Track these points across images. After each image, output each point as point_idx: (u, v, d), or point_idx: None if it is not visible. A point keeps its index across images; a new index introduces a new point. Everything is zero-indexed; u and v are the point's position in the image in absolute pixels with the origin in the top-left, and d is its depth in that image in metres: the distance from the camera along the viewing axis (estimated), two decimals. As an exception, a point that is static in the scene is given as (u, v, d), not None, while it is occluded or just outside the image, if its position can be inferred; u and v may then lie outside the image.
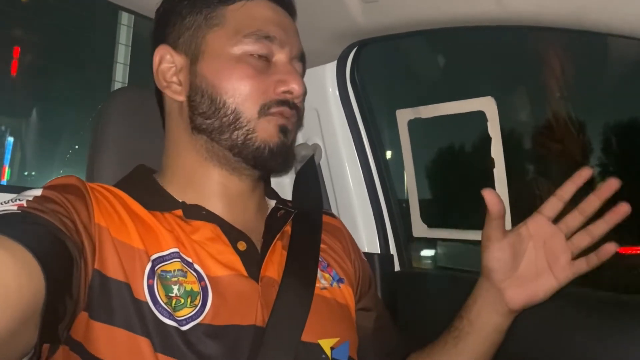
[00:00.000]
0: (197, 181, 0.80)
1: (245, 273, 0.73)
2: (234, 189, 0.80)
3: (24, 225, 0.57)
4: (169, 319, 0.65)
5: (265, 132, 0.76)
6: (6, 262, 0.50)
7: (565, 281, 0.79)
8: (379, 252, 1.32)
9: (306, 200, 0.94)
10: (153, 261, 0.69)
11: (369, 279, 0.96)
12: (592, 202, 0.77)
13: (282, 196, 0.93)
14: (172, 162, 0.82)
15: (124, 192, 0.75)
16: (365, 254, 1.03)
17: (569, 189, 0.80)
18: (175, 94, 0.80)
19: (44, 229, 0.58)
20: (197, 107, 0.78)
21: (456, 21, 1.00)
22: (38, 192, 0.65)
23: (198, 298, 0.68)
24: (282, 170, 0.83)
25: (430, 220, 1.28)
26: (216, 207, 0.78)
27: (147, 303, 0.65)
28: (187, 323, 0.66)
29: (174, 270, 0.69)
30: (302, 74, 0.86)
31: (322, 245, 0.86)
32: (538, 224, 0.81)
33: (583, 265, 0.78)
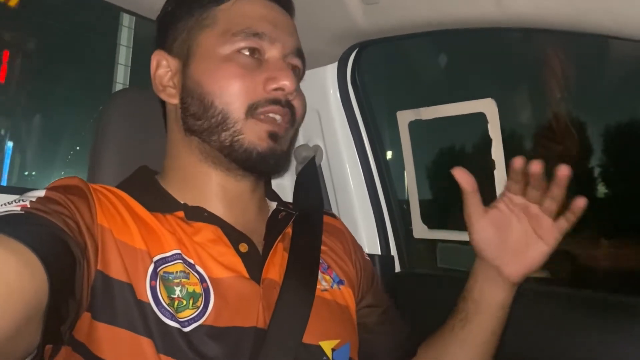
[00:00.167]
0: (196, 183, 0.80)
1: (246, 275, 0.74)
2: (233, 191, 0.80)
3: (27, 226, 0.57)
4: (172, 320, 0.66)
5: (254, 134, 0.75)
6: (9, 262, 0.51)
7: (555, 242, 0.78)
8: (380, 253, 1.32)
9: (307, 201, 0.94)
10: (155, 262, 0.69)
11: (372, 276, 0.96)
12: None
13: (284, 197, 0.93)
14: (171, 164, 0.83)
15: (126, 194, 0.75)
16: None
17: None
18: (170, 97, 0.81)
19: (47, 230, 0.58)
20: (188, 109, 0.78)
21: (456, 23, 1.01)
22: (41, 193, 0.65)
23: (200, 299, 0.69)
24: (275, 173, 0.83)
25: (431, 221, 1.28)
26: (217, 208, 0.78)
27: (149, 304, 0.66)
28: (190, 324, 0.66)
29: (176, 272, 0.69)
30: (302, 71, 0.85)
31: (322, 247, 0.86)
32: (511, 198, 0.80)
33: (564, 223, 0.77)
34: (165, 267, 0.69)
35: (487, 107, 1.11)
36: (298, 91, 0.80)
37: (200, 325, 0.67)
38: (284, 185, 1.41)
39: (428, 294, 1.23)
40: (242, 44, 0.76)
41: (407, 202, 1.31)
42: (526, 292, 0.83)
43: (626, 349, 0.90)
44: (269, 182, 1.37)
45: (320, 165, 1.36)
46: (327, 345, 0.75)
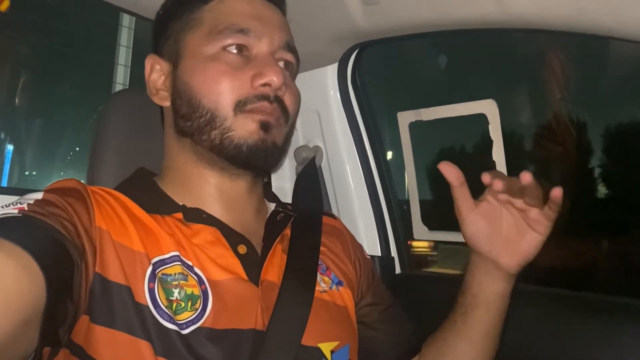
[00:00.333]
0: (193, 184, 0.80)
1: (245, 277, 0.73)
2: (229, 191, 0.80)
3: (24, 228, 0.57)
4: (170, 322, 0.65)
5: (244, 129, 0.74)
6: (7, 265, 0.50)
7: (547, 231, 0.76)
8: (380, 254, 1.32)
9: (306, 202, 0.94)
10: (154, 264, 0.69)
11: (372, 275, 0.96)
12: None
13: (283, 199, 0.93)
14: (168, 166, 0.83)
15: (125, 195, 0.75)
16: (366, 256, 1.02)
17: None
18: (163, 100, 0.81)
19: (45, 233, 0.58)
20: (178, 111, 0.78)
21: (457, 23, 1.00)
22: (39, 195, 0.65)
23: (198, 302, 0.68)
24: (268, 168, 0.82)
25: (431, 222, 1.28)
26: (215, 210, 0.78)
27: (147, 306, 0.65)
28: (188, 327, 0.66)
29: (175, 274, 0.69)
30: (296, 65, 0.84)
31: (321, 248, 0.86)
32: (495, 194, 0.78)
33: (550, 212, 0.75)
34: (164, 269, 0.69)
35: (488, 108, 1.11)
36: (289, 86, 0.79)
37: (198, 328, 0.66)
38: (285, 186, 1.41)
39: (428, 296, 1.23)
40: (227, 41, 0.76)
41: (408, 203, 1.31)
42: (525, 292, 0.83)
43: (625, 350, 0.90)
44: (268, 184, 1.37)
45: (320, 166, 1.36)
46: (326, 347, 0.75)
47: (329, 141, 1.34)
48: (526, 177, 0.70)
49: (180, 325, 0.66)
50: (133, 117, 0.94)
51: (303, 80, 1.31)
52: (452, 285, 1.18)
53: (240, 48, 0.77)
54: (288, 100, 0.79)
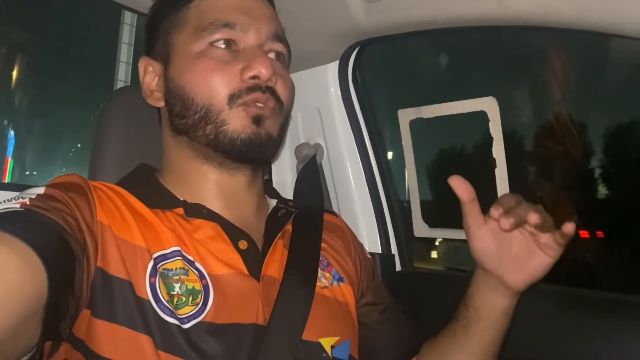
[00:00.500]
0: (193, 181, 0.80)
1: (246, 272, 0.74)
2: (229, 187, 0.80)
3: (26, 223, 0.57)
4: (171, 317, 0.66)
5: (237, 122, 0.74)
6: (9, 259, 0.50)
7: (557, 255, 0.75)
8: (380, 251, 1.32)
9: (307, 199, 0.94)
10: (155, 259, 0.69)
11: (372, 274, 0.96)
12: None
13: (284, 192, 0.94)
14: (167, 163, 0.83)
15: (126, 191, 0.75)
16: (367, 254, 1.02)
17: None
18: (157, 101, 0.82)
19: (46, 227, 0.58)
20: (172, 110, 0.79)
21: (458, 21, 1.00)
22: (41, 190, 0.65)
23: (199, 296, 0.69)
24: (265, 160, 0.83)
25: (431, 219, 1.28)
26: (215, 205, 0.79)
27: (149, 301, 0.66)
28: (189, 321, 0.66)
29: (176, 269, 0.70)
30: (288, 55, 0.84)
31: (322, 244, 0.86)
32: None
33: (560, 239, 0.73)
34: (165, 263, 0.69)
35: (488, 105, 1.11)
36: (280, 75, 0.79)
37: (199, 322, 0.67)
38: (285, 180, 1.41)
39: (428, 293, 1.23)
40: (213, 37, 0.76)
41: (408, 201, 1.31)
42: (524, 290, 0.83)
43: (626, 349, 0.90)
44: (269, 180, 1.37)
45: (321, 163, 1.36)
46: (326, 342, 0.75)
47: (329, 139, 1.34)
48: (532, 218, 0.69)
49: (181, 320, 0.66)
50: (135, 113, 0.94)
51: (304, 77, 1.32)
52: (452, 282, 1.18)
53: (228, 42, 0.77)
54: (280, 89, 0.79)
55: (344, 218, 1.02)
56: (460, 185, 0.74)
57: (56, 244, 0.57)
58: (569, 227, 0.71)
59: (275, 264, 0.77)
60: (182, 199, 0.78)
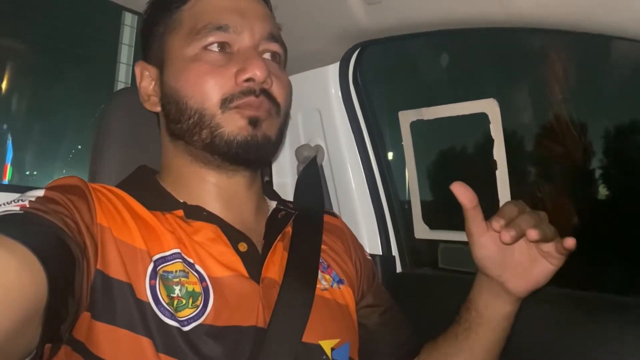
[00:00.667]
0: (192, 183, 0.80)
1: (246, 274, 0.73)
2: (228, 189, 0.80)
3: (26, 225, 0.57)
4: (171, 319, 0.65)
5: (232, 125, 0.74)
6: (9, 262, 0.50)
7: (560, 263, 0.75)
8: (381, 253, 1.32)
9: (308, 201, 0.94)
10: (155, 261, 0.69)
11: (372, 276, 0.96)
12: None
13: (284, 195, 0.93)
14: (166, 166, 0.83)
15: (126, 193, 0.75)
16: (367, 255, 1.02)
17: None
18: (154, 105, 0.82)
19: (46, 230, 0.58)
20: (168, 115, 0.79)
21: (459, 23, 1.00)
22: (40, 192, 0.65)
23: (199, 299, 0.68)
24: (263, 162, 0.82)
25: (432, 221, 1.28)
26: (214, 207, 0.78)
27: (149, 303, 0.65)
28: (189, 323, 0.66)
29: (176, 271, 0.69)
30: (284, 54, 0.84)
31: (322, 246, 0.86)
32: None
33: (562, 249, 0.73)
34: (165, 266, 0.69)
35: (489, 107, 1.11)
36: (276, 76, 0.78)
37: (199, 325, 0.67)
38: (286, 183, 1.41)
39: (429, 294, 1.23)
40: (207, 40, 0.76)
41: (409, 202, 1.31)
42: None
43: (626, 349, 0.90)
44: (270, 182, 1.37)
45: (321, 165, 1.36)
46: (326, 345, 0.75)
47: (330, 140, 1.34)
48: (532, 235, 0.68)
49: (181, 322, 0.66)
50: (135, 115, 0.94)
51: (305, 79, 1.32)
52: (452, 284, 1.18)
53: (222, 45, 0.76)
54: (276, 90, 0.78)
55: (345, 219, 1.02)
56: (462, 192, 0.73)
57: (56, 246, 0.57)
58: (570, 242, 0.71)
59: (275, 266, 0.77)
60: (181, 201, 0.78)
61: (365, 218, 1.33)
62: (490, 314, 0.81)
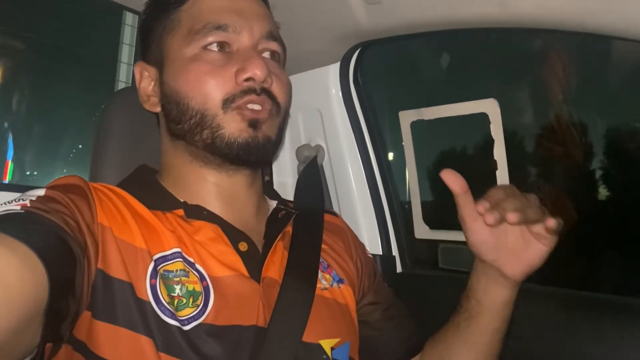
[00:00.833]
0: (191, 183, 0.80)
1: (246, 273, 0.73)
2: (228, 188, 0.80)
3: (27, 225, 0.57)
4: (172, 318, 0.66)
5: (233, 126, 0.74)
6: (10, 261, 0.50)
7: (552, 244, 0.75)
8: (381, 253, 1.32)
9: (308, 201, 0.94)
10: (155, 261, 0.69)
11: (374, 273, 0.96)
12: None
13: (285, 194, 0.93)
14: (166, 166, 0.83)
15: (127, 192, 0.75)
16: (367, 255, 1.02)
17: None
18: (153, 106, 0.82)
19: (47, 229, 0.58)
20: (169, 115, 0.79)
21: (459, 23, 1.00)
22: (41, 192, 0.65)
23: (200, 298, 0.69)
24: (264, 162, 0.82)
25: (432, 221, 1.28)
26: (214, 207, 0.78)
27: (149, 302, 0.66)
28: (189, 323, 0.66)
29: (176, 270, 0.69)
30: (283, 53, 0.84)
31: (323, 246, 0.86)
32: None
33: (546, 229, 0.73)
34: (166, 265, 0.69)
35: (490, 107, 1.11)
36: (276, 75, 0.78)
37: (200, 324, 0.67)
38: (286, 182, 1.41)
39: (429, 295, 1.23)
40: (206, 40, 0.76)
41: (409, 202, 1.31)
42: (524, 291, 0.83)
43: (626, 350, 0.90)
44: (270, 182, 1.37)
45: (322, 165, 1.36)
46: (326, 344, 0.75)
47: (330, 140, 1.34)
48: (510, 218, 0.68)
49: (181, 322, 0.66)
50: (136, 115, 0.94)
51: (305, 79, 1.32)
52: (453, 284, 1.18)
53: (221, 45, 0.76)
54: (276, 89, 0.78)
55: (345, 219, 1.02)
56: (452, 179, 0.74)
57: (57, 245, 0.57)
58: (551, 223, 0.71)
59: (275, 266, 0.77)
60: (182, 200, 0.78)
61: (366, 218, 1.33)
62: (490, 301, 0.81)
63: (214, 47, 0.76)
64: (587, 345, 0.94)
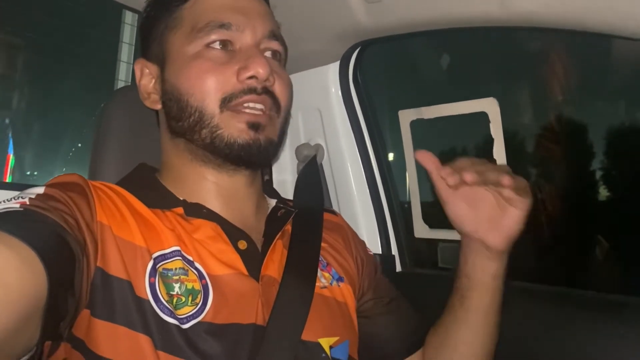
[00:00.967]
0: (191, 182, 0.80)
1: (245, 272, 0.73)
2: (228, 187, 0.80)
3: (26, 223, 0.57)
4: (170, 317, 0.66)
5: (232, 127, 0.74)
6: (9, 259, 0.50)
7: (525, 206, 0.77)
8: (381, 252, 1.32)
9: (307, 199, 0.94)
10: (155, 259, 0.69)
11: (374, 269, 0.96)
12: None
13: (284, 192, 0.93)
14: (166, 164, 0.83)
15: (126, 190, 0.75)
16: (367, 254, 1.02)
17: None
18: (154, 103, 0.82)
19: (46, 227, 0.58)
20: (169, 112, 0.79)
21: (459, 22, 1.00)
22: (40, 190, 0.65)
23: (199, 296, 0.69)
24: (265, 163, 0.83)
25: (432, 221, 1.27)
26: (214, 205, 0.78)
27: (148, 301, 0.66)
28: (188, 321, 0.66)
29: (176, 269, 0.69)
30: (284, 53, 0.84)
31: (322, 244, 0.86)
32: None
33: (514, 188, 0.75)
34: (165, 263, 0.69)
35: (489, 106, 1.11)
36: (278, 75, 0.78)
37: (199, 322, 0.67)
38: (286, 180, 1.41)
39: (429, 294, 1.22)
40: (209, 38, 0.76)
41: (408, 202, 1.30)
42: (525, 291, 0.83)
43: (625, 349, 0.90)
44: (270, 181, 1.37)
45: (321, 164, 1.36)
46: (326, 343, 0.75)
47: (330, 139, 1.34)
48: (466, 177, 0.71)
49: (180, 320, 0.66)
50: (135, 113, 0.94)
51: (305, 78, 1.32)
52: (452, 283, 1.18)
53: (224, 43, 0.76)
54: (278, 89, 0.78)
55: (345, 219, 1.02)
56: (426, 157, 0.77)
57: (56, 244, 0.57)
58: (506, 181, 0.73)
59: (274, 264, 0.77)
60: (181, 199, 0.78)
61: (365, 217, 1.33)
62: (479, 276, 0.82)
63: (217, 45, 0.76)
64: (587, 345, 0.94)
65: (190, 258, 0.71)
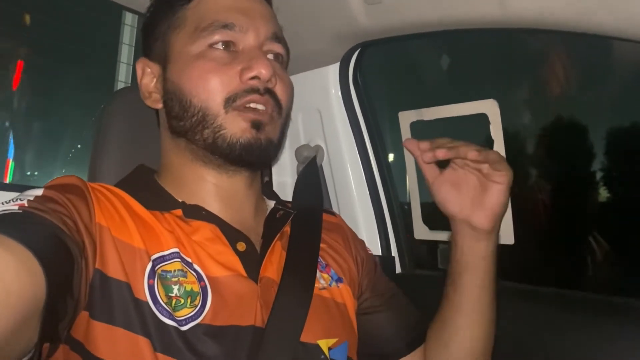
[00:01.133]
0: (191, 183, 0.80)
1: (244, 274, 0.73)
2: (227, 188, 0.80)
3: (25, 225, 0.57)
4: (169, 318, 0.65)
5: (235, 127, 0.74)
6: (7, 262, 0.50)
7: (504, 178, 0.80)
8: (381, 254, 1.32)
9: (307, 201, 0.94)
10: (153, 261, 0.69)
11: (374, 267, 0.96)
12: None
13: (284, 194, 0.93)
14: (166, 165, 0.83)
15: (125, 192, 0.75)
16: (367, 256, 1.02)
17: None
18: (155, 102, 0.82)
19: (45, 229, 0.58)
20: (170, 111, 0.79)
21: (459, 23, 1.00)
22: (39, 191, 0.65)
23: (198, 298, 0.68)
24: (265, 164, 0.83)
25: (432, 222, 1.27)
26: (213, 207, 0.78)
27: (147, 303, 0.65)
28: (187, 323, 0.66)
29: (174, 270, 0.69)
30: (286, 55, 0.84)
31: (321, 245, 0.86)
32: None
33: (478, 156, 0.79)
34: (163, 265, 0.69)
35: (489, 108, 1.10)
36: (280, 77, 0.79)
37: (197, 324, 0.67)
38: (285, 182, 1.41)
39: (429, 295, 1.22)
40: (212, 39, 0.76)
41: (408, 203, 1.30)
42: (525, 292, 0.83)
43: (625, 350, 0.90)
44: (269, 182, 1.37)
45: (321, 165, 1.36)
46: (324, 344, 0.75)
47: (330, 140, 1.34)
48: (438, 154, 0.80)
49: (179, 322, 0.66)
50: (135, 114, 0.94)
51: (305, 79, 1.32)
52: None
53: (227, 44, 0.76)
54: (280, 90, 0.78)
55: (344, 220, 1.02)
56: (413, 144, 0.86)
57: (54, 246, 0.57)
58: (473, 154, 0.78)
59: (273, 266, 0.77)
60: (180, 201, 0.78)
61: (365, 219, 1.33)
62: (468, 258, 0.84)
63: (220, 46, 0.76)
64: (587, 345, 0.94)
65: (189, 260, 0.71)
